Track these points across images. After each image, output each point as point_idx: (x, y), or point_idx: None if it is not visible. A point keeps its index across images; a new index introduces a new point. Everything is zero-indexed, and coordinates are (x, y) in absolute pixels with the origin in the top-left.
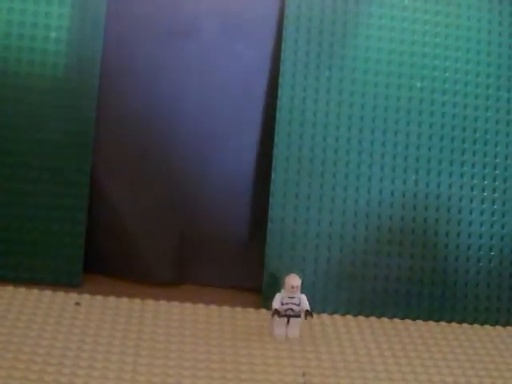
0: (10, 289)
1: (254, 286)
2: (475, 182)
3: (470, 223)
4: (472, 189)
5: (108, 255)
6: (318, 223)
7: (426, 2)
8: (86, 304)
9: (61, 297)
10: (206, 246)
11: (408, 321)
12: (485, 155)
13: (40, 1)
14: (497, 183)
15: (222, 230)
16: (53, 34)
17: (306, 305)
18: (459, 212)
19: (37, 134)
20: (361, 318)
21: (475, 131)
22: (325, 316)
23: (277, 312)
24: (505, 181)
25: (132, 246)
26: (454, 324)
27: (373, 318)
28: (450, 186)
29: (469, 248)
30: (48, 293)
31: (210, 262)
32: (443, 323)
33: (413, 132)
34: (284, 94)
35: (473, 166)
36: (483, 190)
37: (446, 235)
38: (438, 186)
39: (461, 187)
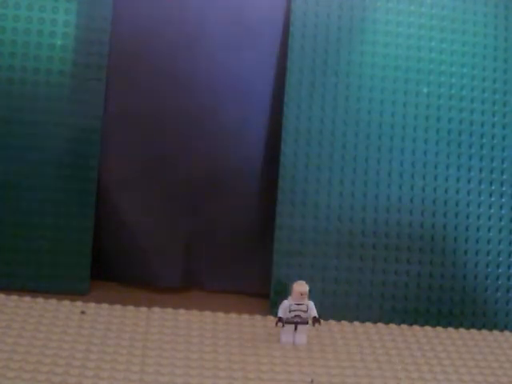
0: (14, 298)
1: (262, 292)
2: (483, 187)
3: (478, 228)
4: (479, 194)
5: (114, 262)
6: (326, 230)
7: (432, 8)
8: (91, 312)
9: (66, 305)
10: (213, 252)
11: (416, 327)
12: (492, 160)
13: (46, 8)
14: (504, 188)
15: (230, 237)
16: (58, 42)
17: (313, 311)
18: (467, 217)
19: (43, 141)
20: (369, 324)
21: (482, 136)
22: (332, 323)
23: (280, 320)
24: None
25: (138, 252)
26: (462, 330)
27: (381, 325)
28: (457, 192)
29: (477, 253)
30: (53, 301)
31: (217, 268)
32: (451, 329)
33: (420, 137)
34: (290, 100)
35: (480, 171)
36: (491, 196)
37: (454, 241)
38: (446, 191)
39: (468, 192)
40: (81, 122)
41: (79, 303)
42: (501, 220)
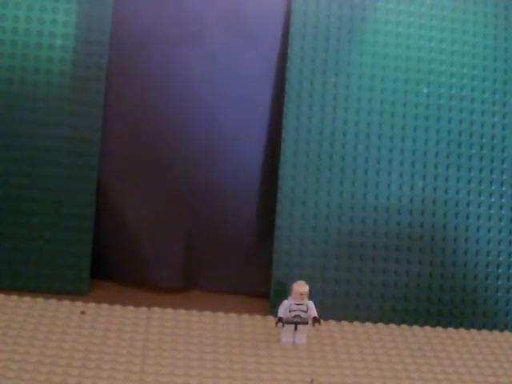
0: (14, 298)
1: (262, 292)
2: (483, 187)
3: (478, 229)
4: (479, 194)
5: (114, 262)
6: (326, 230)
7: (432, 8)
8: (91, 312)
9: (66, 305)
10: (213, 252)
11: (416, 327)
12: (492, 160)
13: (46, 8)
14: (504, 188)
15: (230, 237)
16: (58, 42)
17: (313, 312)
18: (467, 217)
19: (43, 142)
20: (369, 324)
21: (482, 137)
22: (332, 323)
23: (281, 320)
24: None
25: (138, 252)
26: (462, 330)
27: (381, 325)
28: (457, 192)
29: (477, 253)
30: (53, 302)
31: (217, 268)
32: (451, 329)
33: (420, 138)
34: (290, 100)
35: (480, 171)
36: (491, 196)
37: (454, 241)
38: (446, 191)
39: (468, 193)
40: (81, 122)
41: (79, 303)
42: (501, 220)
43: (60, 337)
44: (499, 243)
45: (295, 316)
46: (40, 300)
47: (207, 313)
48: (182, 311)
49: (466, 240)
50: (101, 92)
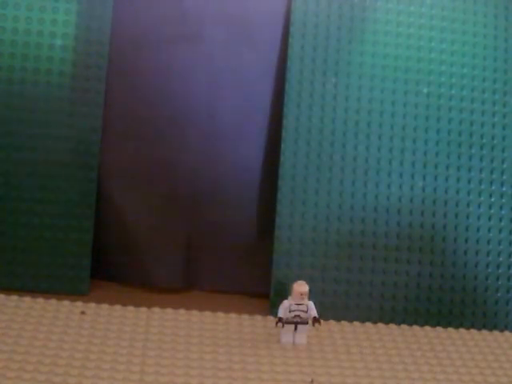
0: (14, 298)
1: (262, 292)
2: (483, 187)
3: (478, 229)
4: (480, 194)
5: (114, 262)
6: (326, 230)
7: (432, 8)
8: (91, 312)
9: (66, 305)
10: (213, 252)
11: (416, 327)
12: (492, 161)
13: (46, 8)
14: (504, 189)
15: (230, 237)
16: (58, 42)
17: (313, 311)
18: (467, 217)
19: (43, 141)
20: (369, 324)
21: (482, 137)
22: (332, 323)
23: (281, 320)
24: None
25: (139, 252)
26: (462, 330)
27: (381, 325)
28: (457, 192)
29: (477, 253)
30: (53, 302)
31: (217, 268)
32: (451, 329)
33: (420, 138)
34: (290, 100)
35: (480, 171)
36: (491, 196)
37: (454, 241)
38: (446, 191)
39: (468, 193)
40: (81, 122)
41: (79, 303)
42: (501, 220)
43: (60, 337)
44: (499, 243)
45: (295, 316)
46: (40, 300)
47: (207, 313)
48: (182, 311)
49: (466, 240)
50: (101, 92)
